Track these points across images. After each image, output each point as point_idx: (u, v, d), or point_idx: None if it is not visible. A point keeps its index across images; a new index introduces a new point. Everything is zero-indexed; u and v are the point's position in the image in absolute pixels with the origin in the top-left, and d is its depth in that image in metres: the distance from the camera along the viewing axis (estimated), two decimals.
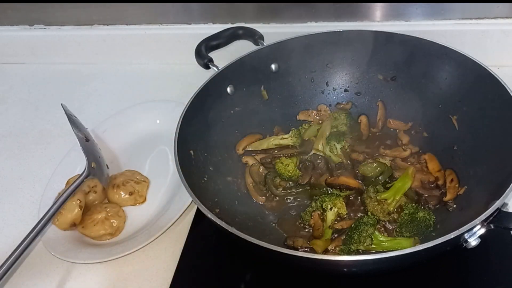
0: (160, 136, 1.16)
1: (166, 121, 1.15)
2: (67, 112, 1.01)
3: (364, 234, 0.83)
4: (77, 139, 0.97)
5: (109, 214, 0.98)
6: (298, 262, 0.69)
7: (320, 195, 0.93)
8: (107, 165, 1.04)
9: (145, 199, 1.04)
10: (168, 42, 1.39)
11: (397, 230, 0.87)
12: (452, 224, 0.82)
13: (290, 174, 0.97)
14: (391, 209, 0.90)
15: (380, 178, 0.95)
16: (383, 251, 0.79)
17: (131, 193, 1.02)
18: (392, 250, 0.64)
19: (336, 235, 0.89)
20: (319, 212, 0.90)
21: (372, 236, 0.84)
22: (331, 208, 0.89)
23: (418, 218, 0.85)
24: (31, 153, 1.23)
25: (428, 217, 0.85)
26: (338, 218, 0.91)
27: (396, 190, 0.91)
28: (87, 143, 0.99)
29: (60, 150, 1.20)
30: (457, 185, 0.92)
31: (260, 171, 1.01)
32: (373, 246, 0.83)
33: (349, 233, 0.85)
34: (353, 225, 0.86)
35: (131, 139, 1.17)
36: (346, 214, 0.91)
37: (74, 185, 0.93)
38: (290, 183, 0.98)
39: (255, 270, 0.89)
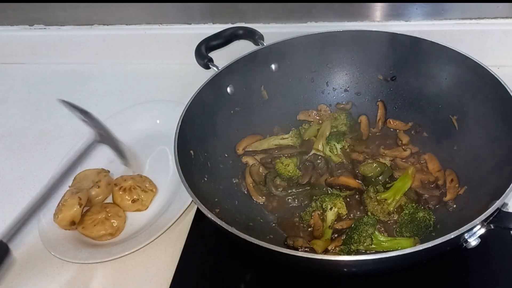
0: (160, 136, 1.15)
1: (166, 121, 1.15)
2: (65, 103, 0.99)
3: (364, 234, 0.83)
4: (80, 116, 0.95)
5: (109, 215, 0.98)
6: (298, 262, 0.69)
7: (320, 195, 0.93)
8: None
9: (147, 208, 1.03)
10: (168, 42, 1.39)
11: (397, 230, 0.87)
12: (452, 224, 0.82)
13: (290, 174, 0.97)
14: (391, 209, 0.90)
15: (380, 178, 0.95)
16: (383, 251, 0.79)
17: (134, 201, 1.01)
18: (392, 250, 0.64)
19: (336, 235, 0.89)
20: (319, 212, 0.90)
21: (372, 236, 0.84)
22: (331, 208, 0.89)
23: (418, 218, 0.85)
24: (31, 153, 1.22)
25: (428, 217, 0.85)
26: (338, 218, 0.91)
27: (396, 190, 0.91)
28: (91, 118, 0.97)
29: (60, 150, 1.20)
30: (457, 185, 0.92)
31: (260, 171, 1.01)
32: (373, 246, 0.84)
33: (349, 233, 0.85)
34: (353, 225, 0.86)
35: (131, 139, 1.16)
36: (346, 214, 0.91)
37: (83, 148, 0.90)
38: (290, 183, 0.98)
39: (255, 270, 0.89)
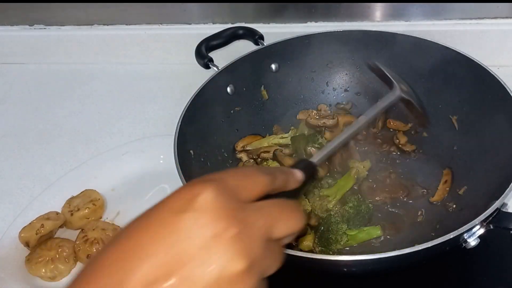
0: (162, 173, 1.04)
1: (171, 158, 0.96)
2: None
3: (340, 233, 0.84)
4: None
5: (57, 256, 0.90)
6: (297, 262, 0.69)
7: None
8: None
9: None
10: (168, 42, 1.39)
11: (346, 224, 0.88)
12: (451, 224, 0.82)
13: None
14: (330, 206, 0.90)
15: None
16: (383, 252, 0.78)
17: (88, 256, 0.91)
18: (392, 250, 0.64)
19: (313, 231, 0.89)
20: None
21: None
22: None
23: (362, 210, 0.88)
24: (31, 153, 1.22)
25: (367, 209, 0.89)
26: (308, 215, 0.91)
27: (338, 188, 0.93)
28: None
29: (60, 150, 1.21)
30: (448, 188, 0.92)
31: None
32: (349, 241, 0.85)
33: (324, 235, 0.86)
34: (323, 228, 0.86)
35: (131, 175, 1.08)
36: (311, 210, 0.91)
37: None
38: None
39: None
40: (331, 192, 0.92)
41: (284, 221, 0.40)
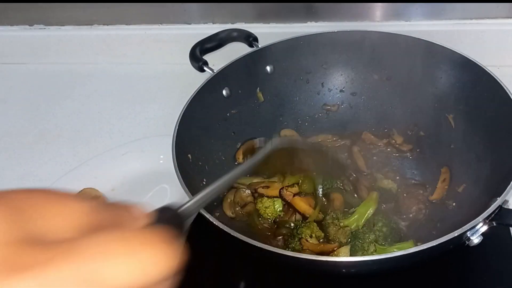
0: (162, 173, 1.04)
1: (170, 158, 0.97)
2: None
3: (367, 241, 0.83)
4: None
5: None
6: (298, 263, 0.69)
7: (285, 232, 0.90)
8: None
9: None
10: (168, 42, 1.39)
11: (380, 243, 0.84)
12: (451, 222, 0.82)
13: (269, 216, 0.93)
14: (353, 232, 0.87)
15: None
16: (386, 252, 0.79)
17: None
18: (396, 250, 0.64)
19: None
20: (305, 239, 0.86)
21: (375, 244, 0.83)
22: (311, 236, 0.86)
23: (394, 227, 0.86)
24: (31, 153, 1.22)
25: (396, 224, 0.87)
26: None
27: (359, 216, 0.88)
28: None
29: (60, 150, 1.20)
30: (446, 187, 0.92)
31: (245, 194, 0.96)
32: (377, 251, 0.83)
33: (350, 241, 0.85)
34: (353, 232, 0.86)
35: (130, 175, 1.08)
36: (323, 235, 0.88)
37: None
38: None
39: (255, 271, 0.89)
40: (351, 222, 0.87)
41: (113, 261, 0.25)
